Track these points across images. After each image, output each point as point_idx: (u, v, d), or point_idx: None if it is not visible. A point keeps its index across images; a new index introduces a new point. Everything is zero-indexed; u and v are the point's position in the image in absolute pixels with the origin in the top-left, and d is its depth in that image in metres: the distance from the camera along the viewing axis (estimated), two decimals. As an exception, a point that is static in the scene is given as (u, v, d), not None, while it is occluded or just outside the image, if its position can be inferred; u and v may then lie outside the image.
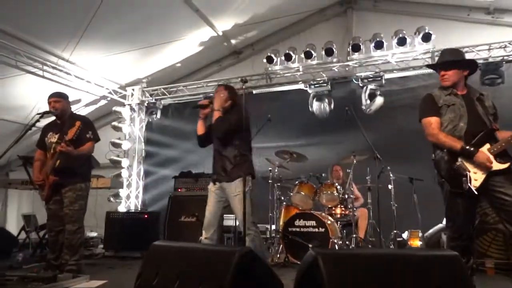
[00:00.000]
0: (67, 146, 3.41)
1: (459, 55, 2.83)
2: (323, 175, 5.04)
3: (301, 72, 5.91)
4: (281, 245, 4.44)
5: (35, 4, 4.48)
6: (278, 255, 4.41)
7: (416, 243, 4.41)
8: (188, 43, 6.37)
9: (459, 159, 2.50)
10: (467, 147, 2.48)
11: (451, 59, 2.75)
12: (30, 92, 5.98)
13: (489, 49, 5.10)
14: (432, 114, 2.68)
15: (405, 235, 4.64)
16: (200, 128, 3.24)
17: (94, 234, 6.03)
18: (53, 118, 3.83)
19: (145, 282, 2.07)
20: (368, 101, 5.50)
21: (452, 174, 2.51)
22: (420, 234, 4.45)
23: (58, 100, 3.70)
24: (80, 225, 3.59)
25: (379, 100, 5.47)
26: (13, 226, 6.90)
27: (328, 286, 1.62)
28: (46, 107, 3.85)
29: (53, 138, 3.65)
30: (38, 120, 3.73)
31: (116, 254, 5.11)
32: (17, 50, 5.10)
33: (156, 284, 1.99)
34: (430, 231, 4.52)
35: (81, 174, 3.66)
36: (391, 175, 4.62)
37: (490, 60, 5.03)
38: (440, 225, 4.37)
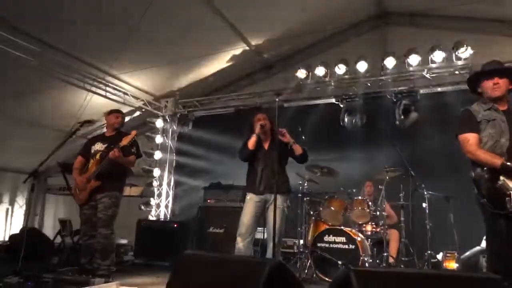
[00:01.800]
0: (118, 152, 3.59)
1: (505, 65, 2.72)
2: (353, 190, 4.94)
3: (332, 86, 5.87)
4: (309, 261, 4.36)
5: (79, 18, 4.75)
6: (306, 271, 4.33)
7: (452, 265, 4.20)
8: (221, 57, 6.50)
9: (501, 178, 2.38)
10: (508, 164, 2.35)
11: (504, 67, 2.63)
12: (71, 103, 6.28)
13: (531, 64, 4.87)
14: (470, 130, 2.57)
15: (440, 256, 4.44)
16: (253, 144, 3.56)
17: (124, 241, 6.17)
18: (92, 129, 4.05)
19: (175, 290, 2.08)
20: (402, 116, 5.38)
21: (493, 194, 2.39)
22: (456, 256, 4.24)
23: (120, 115, 4.04)
24: (113, 230, 3.70)
25: (414, 116, 5.35)
26: (49, 230, 7.19)
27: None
28: (85, 117, 4.07)
29: (99, 147, 3.86)
30: (78, 129, 3.93)
31: (146, 262, 5.19)
32: (61, 63, 5.38)
33: (186, 293, 2.00)
34: (468, 253, 4.31)
35: (118, 183, 3.85)
36: (425, 192, 4.46)
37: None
38: (478, 248, 4.16)
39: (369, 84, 5.75)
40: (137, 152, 3.91)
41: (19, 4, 4.32)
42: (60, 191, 5.52)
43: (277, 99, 3.00)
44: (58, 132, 6.43)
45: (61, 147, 3.84)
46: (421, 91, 5.45)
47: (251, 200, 3.50)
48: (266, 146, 3.71)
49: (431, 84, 5.44)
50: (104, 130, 4.23)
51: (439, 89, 5.48)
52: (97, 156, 3.79)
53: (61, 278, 3.33)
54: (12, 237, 4.86)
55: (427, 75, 5.35)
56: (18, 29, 4.65)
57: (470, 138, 2.55)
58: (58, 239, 5.67)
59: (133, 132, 3.73)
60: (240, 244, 3.36)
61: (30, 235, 4.71)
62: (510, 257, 2.42)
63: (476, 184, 2.53)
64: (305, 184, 4.93)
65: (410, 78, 5.52)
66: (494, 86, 2.58)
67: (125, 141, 3.62)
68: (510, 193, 2.31)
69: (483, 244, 3.90)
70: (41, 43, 4.92)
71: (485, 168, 2.45)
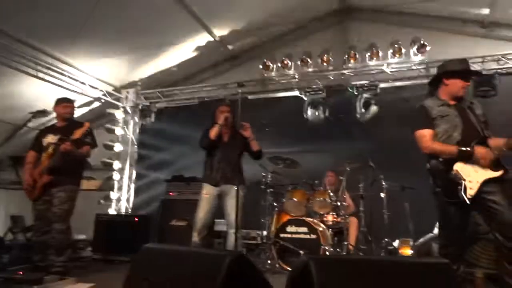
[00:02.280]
0: (69, 145, 3.40)
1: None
2: (316, 181, 5.03)
3: (297, 79, 5.93)
4: (273, 251, 4.41)
5: (31, 4, 4.45)
6: (269, 261, 4.38)
7: (407, 251, 4.41)
8: (185, 47, 6.37)
9: (454, 168, 2.51)
10: (463, 148, 2.49)
11: (474, 70, 2.76)
12: (23, 93, 5.91)
13: (483, 62, 5.16)
14: (426, 126, 2.68)
15: (396, 243, 4.64)
16: (216, 134, 3.59)
17: (82, 236, 5.93)
18: (45, 120, 3.83)
19: (133, 285, 2.03)
20: (363, 110, 5.54)
21: (447, 183, 2.52)
22: (411, 243, 4.45)
23: (70, 105, 3.80)
24: (68, 225, 3.56)
25: (374, 109, 5.52)
26: (0, 226, 6.79)
27: (319, 290, 1.61)
28: (38, 108, 3.84)
29: (51, 139, 3.64)
30: (30, 120, 3.71)
31: (105, 257, 5.02)
32: (12, 50, 5.05)
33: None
34: (421, 239, 4.53)
35: (73, 176, 3.68)
36: (383, 183, 4.63)
37: (484, 72, 5.10)
38: (431, 234, 4.38)
39: (331, 78, 5.86)
40: (92, 141, 3.75)
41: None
42: (11, 185, 5.19)
43: (239, 90, 2.98)
44: (8, 125, 6.05)
45: (11, 139, 3.61)
46: (381, 85, 5.63)
47: (207, 195, 3.56)
48: (225, 138, 3.74)
49: (389, 78, 5.63)
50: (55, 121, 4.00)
51: (397, 84, 5.68)
52: (50, 149, 3.59)
53: (12, 277, 3.15)
54: (-43, 235, 4.53)
55: (387, 70, 5.53)
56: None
57: (426, 134, 2.66)
58: (9, 236, 5.37)
59: (86, 124, 3.54)
60: (197, 238, 3.44)
61: (-23, 232, 4.43)
62: (459, 242, 2.58)
63: (432, 175, 2.66)
64: (269, 176, 4.96)
65: (370, 73, 5.68)
66: (464, 87, 2.72)
67: (77, 134, 3.45)
68: (462, 182, 2.45)
69: (436, 231, 4.11)
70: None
71: (440, 159, 2.58)
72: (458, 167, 2.50)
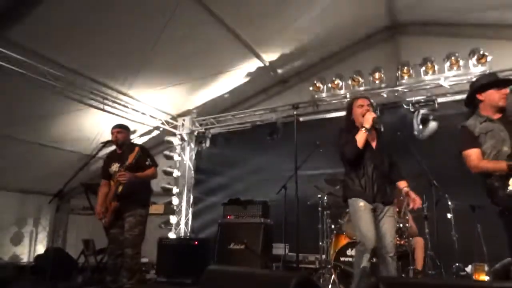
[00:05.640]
0: (126, 172, 3.61)
1: None
2: (375, 202, 4.85)
3: (348, 98, 5.87)
4: (333, 276, 4.28)
5: (97, 42, 4.90)
6: (330, 286, 4.25)
7: (482, 277, 4.05)
8: (236, 74, 6.61)
9: (510, 183, 2.35)
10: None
11: (506, 78, 2.67)
12: (92, 125, 6.45)
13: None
14: (471, 146, 2.59)
15: (468, 269, 4.29)
16: (364, 141, 2.97)
17: (145, 260, 6.19)
18: (113, 148, 4.10)
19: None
20: (421, 126, 5.33)
21: (506, 200, 2.37)
22: (486, 268, 4.09)
23: (121, 131, 4.00)
24: (138, 250, 3.74)
25: (433, 125, 5.28)
26: (72, 250, 7.30)
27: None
28: (106, 138, 4.15)
29: (114, 167, 3.90)
30: (100, 149, 4.02)
31: (168, 279, 5.19)
32: (81, 86, 5.57)
33: (213, 308, 2.00)
34: (498, 265, 4.15)
35: (141, 200, 3.87)
36: (449, 203, 4.35)
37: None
38: (509, 259, 4.00)
39: (385, 96, 5.73)
40: (152, 162, 3.89)
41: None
42: (83, 210, 5.60)
43: (295, 112, 3.00)
44: (78, 154, 6.60)
45: (85, 167, 3.94)
46: (440, 100, 5.40)
47: (366, 209, 2.94)
48: (374, 144, 3.10)
49: (448, 92, 5.39)
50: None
51: (457, 97, 5.41)
52: (116, 177, 3.81)
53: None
54: (37, 257, 4.94)
55: (445, 84, 5.30)
56: (33, 51, 4.79)
57: (471, 154, 2.58)
58: (82, 259, 5.75)
59: (136, 148, 3.71)
60: (368, 263, 2.88)
61: (55, 255, 4.80)
62: None
63: (489, 194, 2.55)
64: (325, 198, 4.88)
65: (426, 88, 5.48)
66: (502, 96, 2.62)
67: (130, 159, 3.64)
68: None
69: (514, 254, 3.76)
70: (55, 65, 5.06)
71: (493, 177, 2.47)
72: None
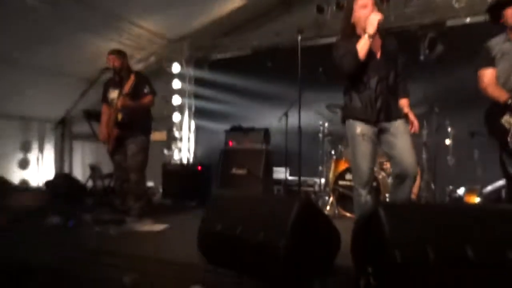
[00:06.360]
0: (125, 100, 3.58)
1: None
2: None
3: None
4: (331, 198, 4.50)
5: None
6: (327, 207, 4.49)
7: (474, 199, 4.26)
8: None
9: (504, 120, 2.35)
10: (510, 101, 2.31)
11: None
12: (87, 49, 6.22)
13: None
14: (484, 66, 2.49)
15: (460, 191, 4.49)
16: (366, 50, 2.41)
17: (151, 183, 6.44)
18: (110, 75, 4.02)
19: (208, 226, 2.22)
20: (427, 50, 5.16)
21: (496, 129, 2.39)
22: (478, 191, 4.28)
23: (117, 57, 3.85)
24: (143, 175, 3.85)
25: (440, 48, 5.12)
26: (78, 175, 7.55)
27: (389, 236, 1.65)
28: (101, 64, 4.04)
29: (113, 93, 3.85)
30: (100, 76, 3.94)
31: (173, 202, 5.47)
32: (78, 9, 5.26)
33: (220, 229, 2.13)
34: (489, 187, 4.34)
35: (141, 127, 3.87)
36: (449, 129, 4.39)
37: None
38: (501, 182, 4.17)
39: (392, 19, 5.44)
40: (150, 90, 3.81)
41: None
42: (86, 137, 5.69)
43: (299, 37, 2.84)
44: (78, 79, 6.47)
45: (86, 94, 3.90)
46: (449, 23, 5.15)
47: (365, 137, 2.52)
48: (378, 54, 2.58)
49: (458, 15, 5.11)
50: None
51: (467, 20, 5.15)
52: (114, 104, 3.79)
53: (99, 217, 3.58)
54: (48, 182, 5.13)
55: (456, 5, 5.01)
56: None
57: (484, 74, 2.50)
58: (90, 183, 5.98)
59: (131, 77, 3.62)
60: (368, 197, 2.54)
61: (64, 180, 4.99)
62: None
63: (484, 119, 2.55)
64: (326, 124, 4.93)
65: (435, 10, 5.19)
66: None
67: (126, 88, 3.59)
68: (511, 128, 2.30)
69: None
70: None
71: (496, 104, 2.43)
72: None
